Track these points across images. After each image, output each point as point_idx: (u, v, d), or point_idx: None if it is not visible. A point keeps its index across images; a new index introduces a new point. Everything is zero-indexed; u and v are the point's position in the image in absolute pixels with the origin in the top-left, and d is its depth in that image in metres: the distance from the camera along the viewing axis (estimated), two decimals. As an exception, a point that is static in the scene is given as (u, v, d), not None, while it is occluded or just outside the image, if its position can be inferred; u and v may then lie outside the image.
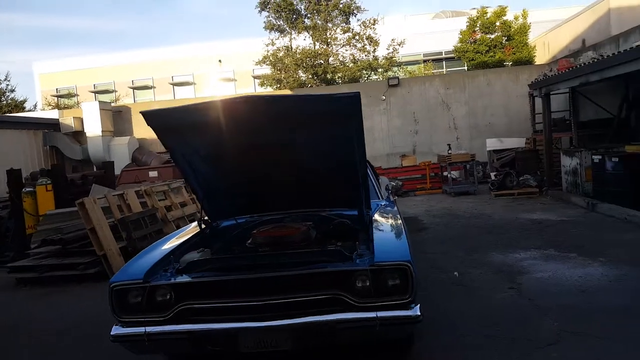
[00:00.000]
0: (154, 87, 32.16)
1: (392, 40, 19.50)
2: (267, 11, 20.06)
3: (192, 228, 4.73)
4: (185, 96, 30.43)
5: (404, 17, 32.76)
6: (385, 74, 20.19)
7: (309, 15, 19.89)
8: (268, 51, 19.98)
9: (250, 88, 30.55)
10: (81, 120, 18.13)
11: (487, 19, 18.99)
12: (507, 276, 5.98)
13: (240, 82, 31.82)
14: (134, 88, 32.17)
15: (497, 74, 17.34)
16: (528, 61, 18.62)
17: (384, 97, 17.12)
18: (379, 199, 5.31)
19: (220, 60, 32.83)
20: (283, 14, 19.62)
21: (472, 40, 19.38)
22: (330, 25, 19.74)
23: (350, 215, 4.45)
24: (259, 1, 19.97)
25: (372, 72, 20.11)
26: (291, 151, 4.03)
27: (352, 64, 19.50)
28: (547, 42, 18.89)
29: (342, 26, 19.74)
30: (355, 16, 19.70)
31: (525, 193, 12.30)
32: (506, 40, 19.12)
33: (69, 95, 29.73)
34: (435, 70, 24.54)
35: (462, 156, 13.59)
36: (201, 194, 4.47)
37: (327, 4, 19.40)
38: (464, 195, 13.35)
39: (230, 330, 3.26)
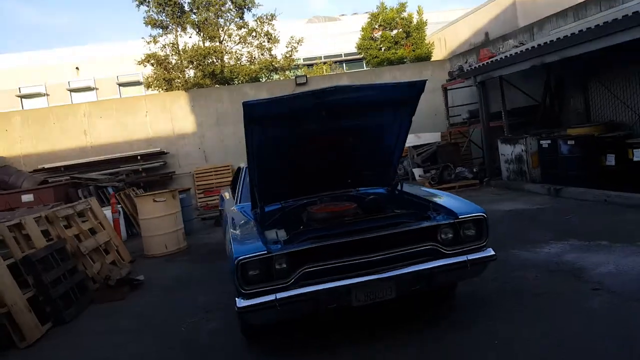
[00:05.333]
0: (-4, 101, 27.86)
1: (291, 37, 18.29)
2: (147, 5, 17.72)
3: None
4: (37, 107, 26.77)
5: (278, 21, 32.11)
6: (285, 74, 18.92)
7: (195, 10, 17.91)
8: (150, 50, 17.65)
9: (115, 95, 27.71)
10: None
11: (387, 14, 18.60)
12: (570, 275, 5.08)
13: (103, 91, 28.83)
14: (-31, 102, 27.50)
15: (402, 70, 16.99)
16: (427, 57, 18.56)
17: (292, 96, 15.86)
18: None
19: (77, 68, 29.57)
20: (167, 8, 17.41)
21: (373, 37, 18.86)
22: (222, 21, 17.97)
23: (375, 192, 5.11)
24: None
25: (273, 73, 18.69)
26: (347, 136, 4.45)
27: (249, 63, 17.90)
28: (443, 38, 19.04)
29: (236, 21, 18.04)
30: (250, 11, 18.17)
31: (466, 185, 11.86)
32: (406, 37, 18.90)
33: None
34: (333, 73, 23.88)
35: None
36: (258, 180, 4.53)
37: (217, -3, 17.61)
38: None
39: (347, 286, 3.57)
